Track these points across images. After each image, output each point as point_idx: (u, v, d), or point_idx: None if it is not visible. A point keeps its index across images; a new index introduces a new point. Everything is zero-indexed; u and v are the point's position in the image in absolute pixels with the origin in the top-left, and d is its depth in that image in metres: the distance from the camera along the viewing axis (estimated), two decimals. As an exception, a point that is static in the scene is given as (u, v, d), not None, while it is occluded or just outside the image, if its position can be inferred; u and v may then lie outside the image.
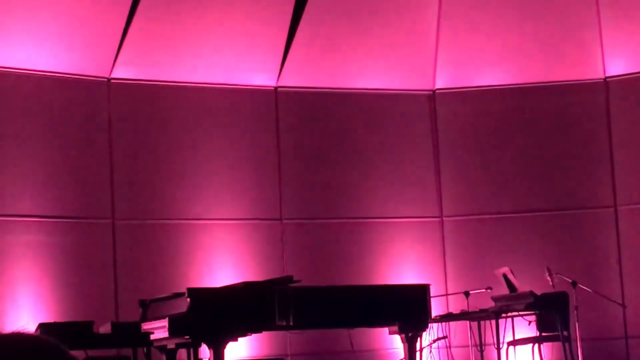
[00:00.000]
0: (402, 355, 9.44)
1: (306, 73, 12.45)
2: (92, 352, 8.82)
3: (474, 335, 11.46)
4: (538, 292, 10.79)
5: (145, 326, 8.78)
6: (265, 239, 12.11)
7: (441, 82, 12.82)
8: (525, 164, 12.67)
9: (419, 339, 9.23)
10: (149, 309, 9.18)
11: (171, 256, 11.68)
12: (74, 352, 2.28)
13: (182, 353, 9.23)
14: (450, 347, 11.35)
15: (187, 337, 8.51)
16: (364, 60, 12.57)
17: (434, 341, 11.18)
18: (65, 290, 11.07)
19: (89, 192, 11.44)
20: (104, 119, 11.64)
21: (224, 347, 8.32)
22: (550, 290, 10.98)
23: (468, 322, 11.53)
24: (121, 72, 11.70)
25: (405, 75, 12.72)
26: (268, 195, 12.21)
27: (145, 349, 9.02)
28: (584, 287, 11.09)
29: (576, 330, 10.84)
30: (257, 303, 8.56)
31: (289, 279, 8.83)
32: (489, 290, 11.48)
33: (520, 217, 12.57)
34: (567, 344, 10.76)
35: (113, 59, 11.61)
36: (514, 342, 11.22)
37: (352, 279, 11.88)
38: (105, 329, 9.05)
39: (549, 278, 11.02)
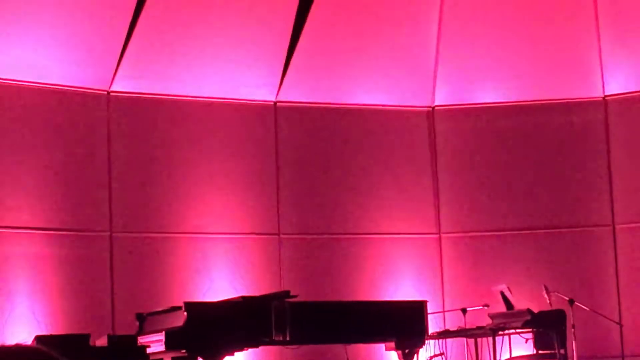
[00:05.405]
0: (399, 372, 9.42)
1: (306, 88, 12.46)
2: (88, 365, 8.78)
3: (470, 353, 11.45)
4: (535, 310, 10.78)
5: (142, 340, 8.77)
6: (262, 254, 12.10)
7: (440, 99, 12.83)
8: (523, 182, 12.67)
9: (415, 355, 9.22)
10: (146, 322, 9.17)
11: (169, 270, 11.67)
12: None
13: (179, 367, 9.21)
14: (446, 364, 11.34)
15: (184, 351, 8.51)
16: (364, 75, 12.58)
17: (431, 358, 11.17)
18: (62, 302, 11.05)
19: (87, 205, 11.43)
20: (103, 132, 11.64)
21: (221, 362, 8.31)
22: (547, 308, 10.98)
23: (465, 339, 11.52)
24: (121, 85, 11.71)
25: (404, 92, 12.73)
26: (266, 210, 12.20)
27: (141, 362, 8.98)
28: (581, 306, 11.09)
29: (573, 349, 10.83)
30: (254, 318, 8.56)
31: (286, 293, 8.82)
32: (486, 308, 11.47)
33: (518, 234, 12.57)
34: (563, 362, 10.75)
35: (113, 71, 11.62)
36: (511, 360, 11.22)
37: (349, 294, 11.87)
38: (101, 342, 9.02)
39: (546, 296, 11.02)
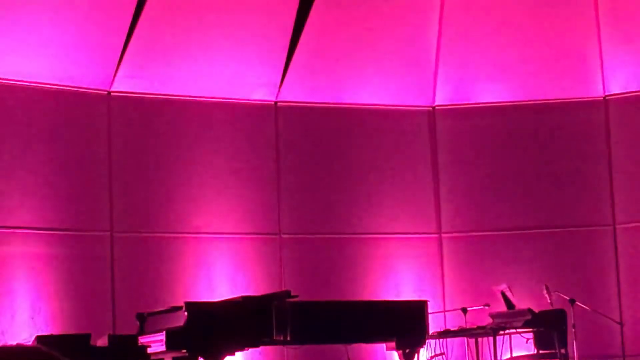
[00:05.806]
0: (400, 372, 9.42)
1: (306, 88, 12.46)
2: (88, 365, 8.78)
3: (471, 352, 11.44)
4: (536, 310, 10.79)
5: (143, 340, 8.77)
6: (263, 254, 12.10)
7: (441, 99, 12.83)
8: (524, 181, 12.67)
9: (416, 355, 9.23)
10: (147, 322, 9.17)
11: (169, 270, 11.66)
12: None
13: (179, 367, 9.21)
14: (447, 363, 11.34)
15: (184, 351, 8.51)
16: (364, 75, 12.58)
17: (432, 358, 11.16)
18: (63, 302, 11.04)
19: (87, 205, 11.43)
20: (103, 132, 11.63)
21: (221, 362, 8.32)
22: (548, 307, 10.98)
23: (466, 338, 11.52)
24: (121, 85, 11.71)
25: (405, 91, 12.73)
26: (267, 209, 12.20)
27: (142, 362, 8.99)
28: (582, 305, 11.09)
29: (574, 348, 10.83)
30: (255, 318, 8.57)
31: (287, 293, 8.83)
32: (486, 307, 11.47)
33: (519, 234, 12.57)
34: (564, 362, 10.76)
35: (113, 72, 11.62)
36: (512, 360, 11.22)
37: (349, 294, 11.86)
38: (102, 342, 9.02)
39: (547, 295, 11.02)
